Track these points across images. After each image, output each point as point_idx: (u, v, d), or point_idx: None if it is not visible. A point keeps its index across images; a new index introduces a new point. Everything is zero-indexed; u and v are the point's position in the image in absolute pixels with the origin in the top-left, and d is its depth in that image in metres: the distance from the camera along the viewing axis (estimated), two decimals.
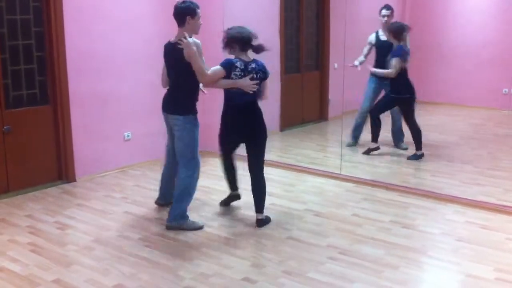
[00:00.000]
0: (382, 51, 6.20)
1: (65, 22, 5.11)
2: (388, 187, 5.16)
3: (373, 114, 6.23)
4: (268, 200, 4.79)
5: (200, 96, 4.32)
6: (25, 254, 3.78)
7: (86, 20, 5.29)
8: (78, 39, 5.24)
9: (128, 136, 5.84)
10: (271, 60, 7.21)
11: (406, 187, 5.13)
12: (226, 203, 4.72)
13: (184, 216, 4.22)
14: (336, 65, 7.88)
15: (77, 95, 5.30)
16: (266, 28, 7.16)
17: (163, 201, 4.67)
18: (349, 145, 6.56)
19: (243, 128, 4.23)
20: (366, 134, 6.45)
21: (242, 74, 4.08)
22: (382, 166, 6.03)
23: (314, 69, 8.22)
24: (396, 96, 6.01)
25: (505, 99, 7.82)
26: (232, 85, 4.09)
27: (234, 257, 3.71)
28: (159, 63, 4.38)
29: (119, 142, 5.77)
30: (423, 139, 6.06)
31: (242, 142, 4.37)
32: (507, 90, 7.81)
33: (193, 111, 4.19)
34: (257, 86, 4.13)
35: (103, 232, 4.16)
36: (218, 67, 4.07)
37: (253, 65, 4.13)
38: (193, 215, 4.36)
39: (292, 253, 3.76)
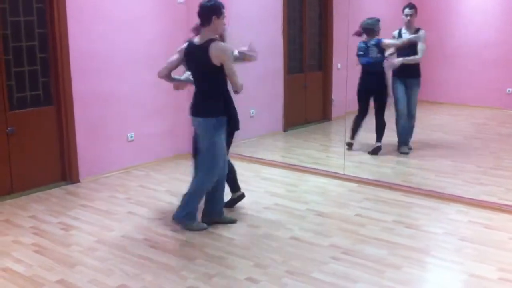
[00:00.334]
0: (404, 48, 6.20)
1: (68, 23, 5.12)
2: (391, 187, 5.17)
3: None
4: (271, 200, 4.81)
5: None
6: (29, 254, 3.80)
7: (87, 21, 5.30)
8: (81, 40, 5.26)
9: (131, 136, 5.85)
10: (274, 60, 7.26)
11: (409, 187, 5.13)
12: (231, 204, 4.68)
13: (192, 218, 4.21)
14: (339, 65, 7.89)
15: (81, 96, 5.32)
16: (269, 28, 7.18)
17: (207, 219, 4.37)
18: (403, 152, 6.33)
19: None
20: (367, 134, 6.45)
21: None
22: (385, 166, 6.04)
23: (317, 69, 8.22)
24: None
25: (508, 98, 7.82)
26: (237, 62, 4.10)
27: (237, 257, 3.72)
28: (161, 63, 4.31)
29: (122, 143, 5.79)
30: (426, 138, 6.04)
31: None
32: (510, 89, 7.80)
33: (216, 114, 4.01)
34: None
35: (107, 233, 4.17)
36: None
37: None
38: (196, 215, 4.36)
39: (295, 253, 3.77)
